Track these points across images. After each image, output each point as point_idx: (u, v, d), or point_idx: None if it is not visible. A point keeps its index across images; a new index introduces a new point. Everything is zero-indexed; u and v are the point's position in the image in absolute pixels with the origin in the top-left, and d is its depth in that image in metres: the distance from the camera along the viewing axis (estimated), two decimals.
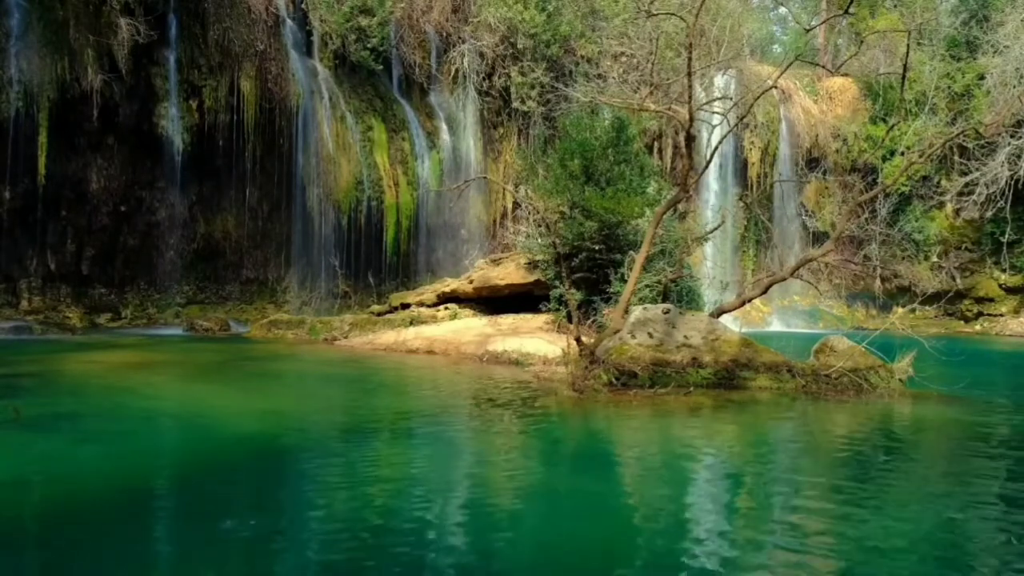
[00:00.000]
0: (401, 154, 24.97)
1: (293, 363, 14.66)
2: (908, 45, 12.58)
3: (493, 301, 18.99)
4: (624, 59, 25.84)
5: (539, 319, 16.98)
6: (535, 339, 14.98)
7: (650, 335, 11.03)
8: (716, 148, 12.72)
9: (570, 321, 12.42)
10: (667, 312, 11.32)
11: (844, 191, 27.92)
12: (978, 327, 27.12)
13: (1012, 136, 24.88)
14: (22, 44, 19.10)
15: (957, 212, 27.66)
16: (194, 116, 21.75)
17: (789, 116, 28.90)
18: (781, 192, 29.03)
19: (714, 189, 28.66)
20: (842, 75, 28.94)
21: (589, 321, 14.84)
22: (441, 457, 7.08)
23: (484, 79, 26.24)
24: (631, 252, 14.64)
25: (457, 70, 26.24)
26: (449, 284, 20.35)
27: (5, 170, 19.20)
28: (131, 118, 20.92)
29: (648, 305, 11.86)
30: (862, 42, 20.81)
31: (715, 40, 20.68)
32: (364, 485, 5.89)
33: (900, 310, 22.30)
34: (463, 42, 26.13)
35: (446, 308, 19.43)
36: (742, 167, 28.87)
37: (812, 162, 28.77)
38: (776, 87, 24.16)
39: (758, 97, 14.98)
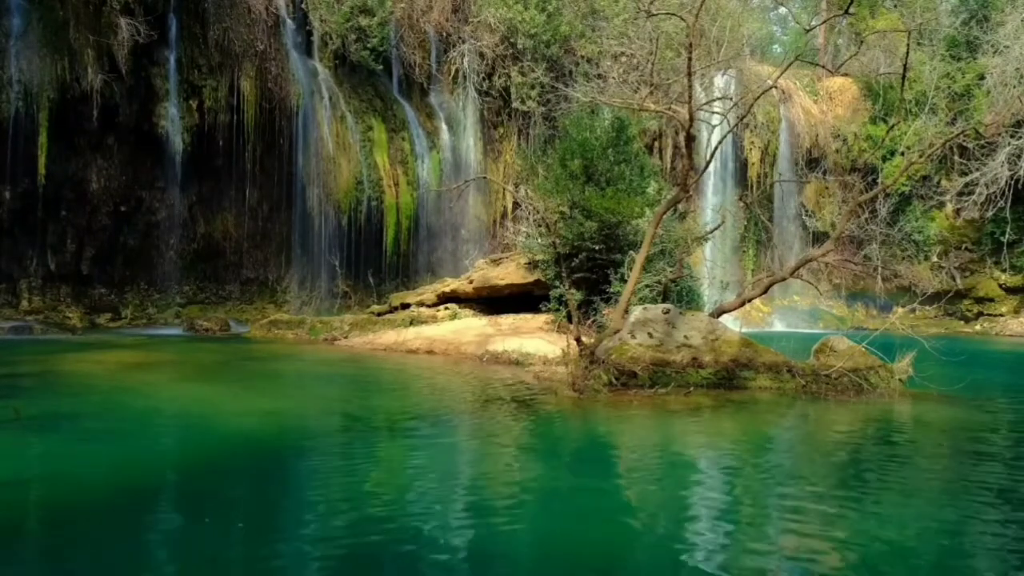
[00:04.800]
0: (401, 154, 24.96)
1: (293, 363, 14.66)
2: (908, 45, 12.58)
3: (493, 301, 18.99)
4: (624, 59, 25.83)
5: (539, 319, 16.97)
6: (535, 339, 14.98)
7: (650, 335, 11.03)
8: (716, 148, 12.72)
9: (570, 321, 12.42)
10: (667, 312, 11.32)
11: (844, 191, 27.92)
12: (978, 327, 27.12)
13: (1012, 136, 24.88)
14: (22, 44, 19.10)
15: (957, 212, 27.67)
16: (194, 116, 21.74)
17: (789, 116, 28.90)
18: (781, 192, 29.03)
19: (714, 189, 28.65)
20: (842, 75, 28.94)
21: (589, 321, 14.84)
22: (441, 457, 7.07)
23: (484, 79, 26.23)
24: (631, 252, 14.64)
25: (457, 70, 26.24)
26: (449, 284, 20.34)
27: (5, 170, 19.19)
28: (131, 118, 20.90)
29: (648, 305, 11.86)
30: (862, 42, 20.82)
31: (715, 40, 20.66)
32: (364, 485, 5.89)
33: (900, 310, 22.28)
34: (463, 42, 26.12)
35: (446, 308, 19.42)
36: (742, 167, 28.87)
37: (812, 162, 28.77)
38: (776, 87, 24.15)
39: (758, 97, 14.97)
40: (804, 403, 10.10)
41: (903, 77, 13.00)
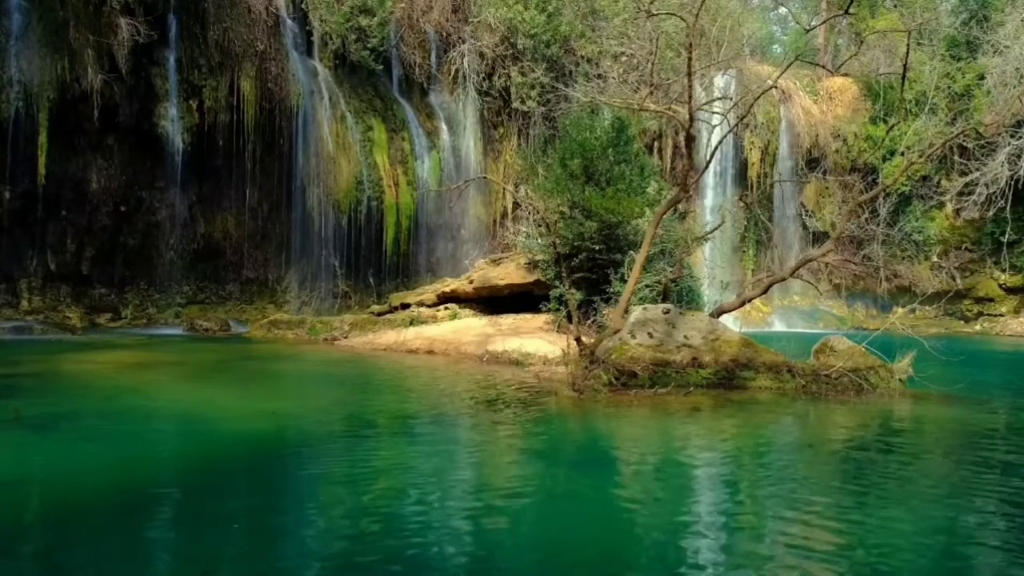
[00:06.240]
0: (401, 154, 24.97)
1: (293, 363, 14.66)
2: (908, 45, 12.58)
3: (493, 301, 18.99)
4: (624, 59, 25.83)
5: (539, 319, 16.97)
6: (535, 339, 14.98)
7: (650, 335, 11.03)
8: (716, 148, 12.73)
9: (570, 321, 12.42)
10: (667, 312, 11.32)
11: (844, 191, 27.92)
12: (978, 327, 27.12)
13: (1012, 136, 24.88)
14: (22, 44, 19.10)
15: (957, 212, 27.66)
16: (194, 116, 21.74)
17: (789, 116, 28.90)
18: (781, 192, 29.03)
19: (714, 189, 28.66)
20: (842, 75, 28.94)
21: (589, 321, 14.84)
22: (441, 457, 7.07)
23: (484, 79, 26.24)
24: (631, 252, 14.64)
25: (457, 70, 26.25)
26: (449, 284, 20.35)
27: (5, 170, 19.19)
28: (131, 118, 20.91)
29: (648, 305, 11.86)
30: (862, 42, 20.81)
31: (715, 40, 20.66)
32: (364, 486, 5.89)
33: (900, 310, 22.29)
34: (463, 42, 26.13)
35: (446, 308, 19.42)
36: (742, 167, 28.87)
37: (812, 162, 28.77)
38: (776, 87, 24.16)
39: (758, 97, 14.98)
40: (804, 403, 10.09)
41: (903, 77, 13.00)
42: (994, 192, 25.39)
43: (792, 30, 39.30)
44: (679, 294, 15.09)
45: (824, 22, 28.71)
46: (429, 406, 10.03)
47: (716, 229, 15.50)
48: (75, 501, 5.36)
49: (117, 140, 21.00)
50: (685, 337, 11.09)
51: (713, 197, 28.46)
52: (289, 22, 23.86)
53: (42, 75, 19.17)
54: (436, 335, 16.56)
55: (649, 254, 12.34)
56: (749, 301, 14.17)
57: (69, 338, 17.71)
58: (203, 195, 22.89)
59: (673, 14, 15.25)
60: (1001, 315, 27.34)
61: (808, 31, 20.21)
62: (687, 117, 11.85)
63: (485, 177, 23.06)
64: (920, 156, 16.64)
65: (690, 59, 11.25)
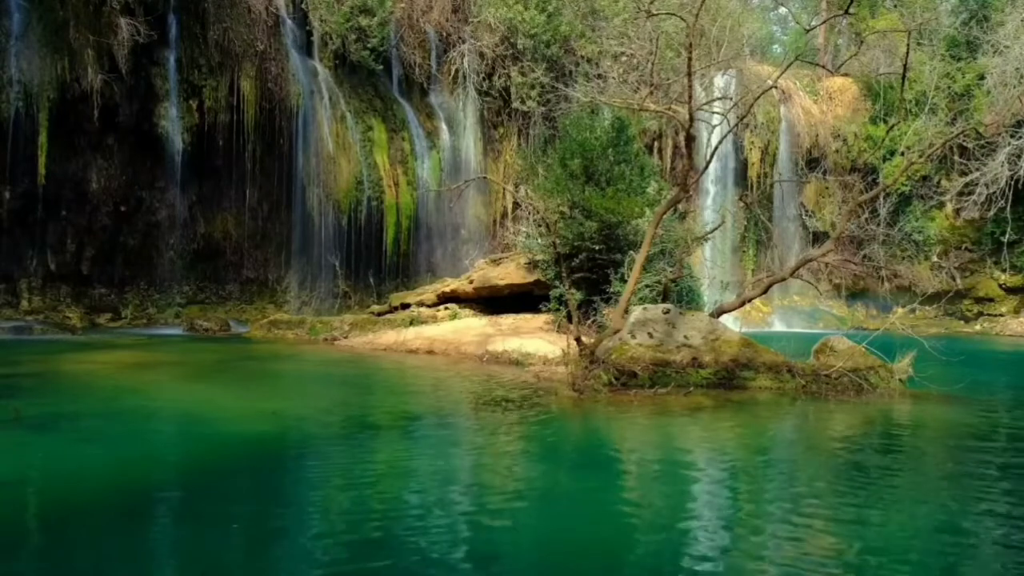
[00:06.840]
0: (401, 154, 24.96)
1: (293, 363, 14.66)
2: (908, 45, 12.58)
3: (493, 301, 18.99)
4: (624, 59, 25.82)
5: (539, 319, 16.97)
6: (535, 339, 14.98)
7: (650, 335, 11.03)
8: (716, 148, 12.72)
9: (570, 321, 12.42)
10: (667, 312, 11.32)
11: (844, 191, 27.92)
12: (978, 327, 27.11)
13: (1012, 136, 24.88)
14: (22, 44, 19.10)
15: (957, 212, 27.66)
16: (194, 116, 21.74)
17: (789, 116, 28.90)
18: (781, 192, 29.03)
19: (714, 189, 28.66)
20: (842, 75, 28.95)
21: (589, 321, 14.84)
22: (441, 457, 7.08)
23: (484, 79, 26.24)
24: (631, 252, 14.64)
25: (457, 70, 26.24)
26: (449, 284, 20.35)
27: (5, 170, 19.18)
28: (131, 118, 20.90)
29: (648, 305, 11.86)
30: (862, 42, 20.82)
31: (715, 40, 20.65)
32: (364, 486, 5.89)
33: (900, 310, 22.29)
34: (463, 42, 26.13)
35: (446, 308, 19.42)
36: (742, 167, 28.87)
37: (812, 162, 28.77)
38: (776, 87, 24.16)
39: (758, 97, 14.98)
40: (804, 403, 10.09)
41: (903, 77, 13.01)
42: (994, 192, 25.38)
43: (792, 30, 39.31)
44: (679, 294, 15.09)
45: (824, 22, 28.72)
46: (430, 407, 10.03)
47: (716, 229, 15.50)
48: (75, 501, 5.36)
49: (117, 140, 21.00)
50: (685, 337, 11.09)
51: (713, 197, 28.46)
52: (289, 22, 23.85)
53: (42, 75, 19.16)
54: (436, 335, 16.56)
55: (649, 254, 12.34)
56: (749, 301, 14.17)
57: (69, 338, 17.71)
58: (203, 195, 22.89)
59: (673, 14, 15.26)
60: (1001, 315, 27.34)
61: (808, 31, 20.22)
62: (687, 117, 11.85)
63: (485, 177, 23.05)
64: (920, 156, 16.64)
65: (690, 59, 11.25)
